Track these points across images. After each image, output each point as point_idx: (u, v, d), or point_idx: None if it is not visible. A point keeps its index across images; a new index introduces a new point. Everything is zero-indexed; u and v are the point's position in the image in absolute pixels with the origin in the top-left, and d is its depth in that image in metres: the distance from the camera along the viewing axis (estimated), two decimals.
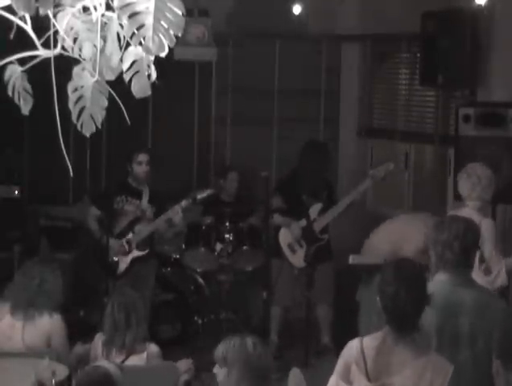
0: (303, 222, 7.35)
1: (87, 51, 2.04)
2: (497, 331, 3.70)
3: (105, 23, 2.02)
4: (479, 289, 3.98)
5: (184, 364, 5.01)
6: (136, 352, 4.86)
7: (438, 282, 3.91)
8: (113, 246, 6.89)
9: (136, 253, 6.95)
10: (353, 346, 3.59)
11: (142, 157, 7.02)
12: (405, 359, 3.47)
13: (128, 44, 2.01)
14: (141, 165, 6.99)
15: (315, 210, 7.36)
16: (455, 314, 3.78)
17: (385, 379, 3.47)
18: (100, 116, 2.10)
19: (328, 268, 7.51)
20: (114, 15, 2.00)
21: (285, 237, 7.42)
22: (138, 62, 2.04)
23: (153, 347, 4.94)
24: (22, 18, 2.00)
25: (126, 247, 6.91)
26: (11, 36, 2.09)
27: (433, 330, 3.81)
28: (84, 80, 2.07)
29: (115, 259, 6.90)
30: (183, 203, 6.88)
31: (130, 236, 6.94)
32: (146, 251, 7.02)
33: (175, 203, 6.92)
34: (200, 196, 6.96)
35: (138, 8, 1.96)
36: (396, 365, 3.47)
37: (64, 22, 2.01)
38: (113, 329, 4.86)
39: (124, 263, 6.90)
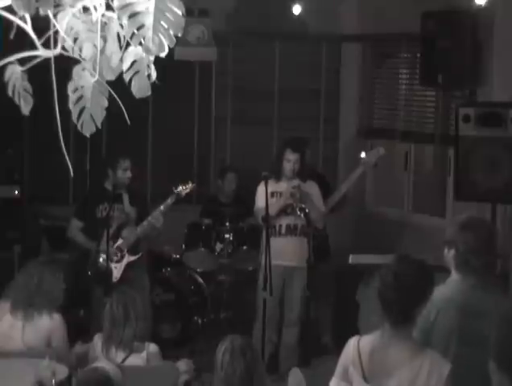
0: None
1: (87, 51, 2.04)
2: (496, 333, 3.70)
3: (105, 23, 2.02)
4: (499, 293, 3.99)
5: (184, 364, 5.01)
6: (135, 351, 4.86)
7: (457, 283, 3.90)
8: (108, 255, 6.76)
9: (129, 258, 6.89)
10: (350, 346, 3.59)
11: (127, 163, 6.83)
12: (401, 358, 3.45)
13: (128, 44, 2.01)
14: (125, 172, 6.82)
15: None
16: (475, 318, 3.78)
17: (381, 379, 3.46)
18: (100, 116, 2.10)
19: (327, 267, 7.51)
20: (114, 15, 2.00)
21: None
22: (138, 62, 2.04)
23: (152, 347, 4.94)
24: (22, 18, 2.00)
25: (118, 254, 6.83)
26: (11, 36, 2.09)
27: (451, 332, 3.82)
28: (85, 80, 2.07)
29: (112, 267, 6.82)
30: (169, 200, 6.80)
31: (120, 242, 6.87)
32: (139, 254, 6.97)
33: (154, 201, 6.85)
34: (184, 191, 6.87)
35: (138, 8, 1.96)
36: (392, 365, 3.45)
37: (64, 22, 2.01)
38: (111, 325, 4.86)
39: (118, 270, 6.81)
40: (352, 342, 3.58)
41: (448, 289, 3.90)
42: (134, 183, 7.03)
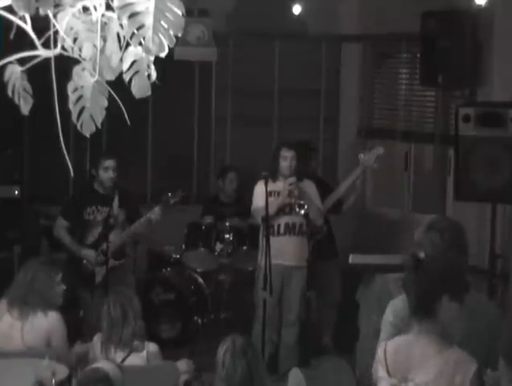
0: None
1: (87, 51, 2.04)
2: (505, 332, 3.72)
3: (105, 23, 2.02)
4: (470, 293, 3.97)
5: (184, 364, 5.01)
6: (135, 351, 4.86)
7: None
8: (88, 257, 6.79)
9: (112, 263, 6.85)
10: (379, 350, 3.61)
11: (109, 163, 6.77)
12: (426, 353, 3.47)
13: (128, 44, 2.01)
14: (107, 171, 6.76)
15: None
16: None
17: (405, 372, 3.47)
18: (100, 116, 2.10)
19: (331, 267, 7.51)
20: (114, 15, 2.00)
21: None
22: (138, 62, 2.04)
23: (152, 346, 4.94)
24: (22, 18, 2.00)
25: (102, 257, 6.80)
26: (11, 36, 2.09)
27: None
28: (84, 80, 2.07)
29: (93, 269, 6.80)
30: (157, 209, 6.74)
31: (104, 246, 6.77)
32: (123, 260, 6.95)
33: (154, 201, 6.80)
34: (173, 200, 6.84)
35: (138, 8, 1.96)
36: (417, 359, 3.47)
37: (64, 22, 2.01)
38: (110, 326, 4.86)
39: (99, 273, 6.78)
40: (381, 346, 3.61)
41: None
42: (124, 184, 7.02)
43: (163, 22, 1.96)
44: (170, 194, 6.82)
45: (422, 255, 3.85)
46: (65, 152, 2.16)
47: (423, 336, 3.48)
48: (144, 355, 4.87)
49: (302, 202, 6.79)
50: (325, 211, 7.29)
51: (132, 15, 1.96)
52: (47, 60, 2.03)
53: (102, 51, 2.03)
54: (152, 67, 2.06)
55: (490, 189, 6.76)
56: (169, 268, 7.87)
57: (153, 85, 2.09)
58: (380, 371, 3.55)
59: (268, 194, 6.72)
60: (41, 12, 1.99)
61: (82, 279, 6.81)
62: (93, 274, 6.74)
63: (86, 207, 6.83)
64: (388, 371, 3.50)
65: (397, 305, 3.90)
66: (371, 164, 7.23)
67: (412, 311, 3.52)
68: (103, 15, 2.01)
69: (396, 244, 8.14)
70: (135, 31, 1.97)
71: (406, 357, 3.49)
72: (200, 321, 7.66)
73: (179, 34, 1.99)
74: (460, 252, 3.88)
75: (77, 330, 5.83)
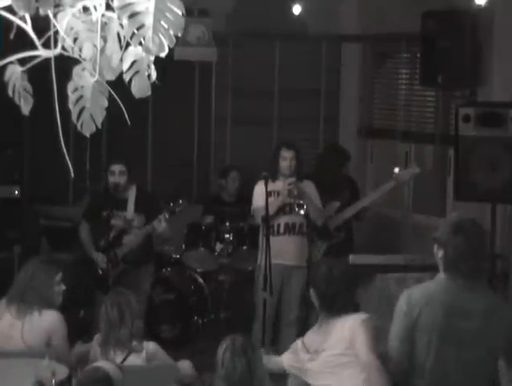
0: None
1: (87, 51, 2.04)
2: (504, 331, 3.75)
3: (105, 23, 2.02)
4: (486, 294, 4.00)
5: (187, 367, 5.00)
6: (135, 351, 4.85)
7: (443, 282, 3.91)
8: (98, 259, 6.85)
9: (124, 266, 6.90)
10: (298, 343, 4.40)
11: (115, 167, 6.88)
12: (332, 325, 4.22)
13: (128, 44, 2.01)
14: (113, 175, 6.86)
15: (332, 207, 7.35)
16: (461, 318, 3.80)
17: (318, 346, 4.22)
18: (100, 116, 2.10)
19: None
20: (114, 15, 2.00)
21: None
22: (138, 62, 2.04)
23: (152, 346, 4.93)
24: (22, 18, 2.01)
25: (113, 260, 6.83)
26: (11, 36, 2.09)
27: (434, 329, 3.83)
28: (85, 80, 2.07)
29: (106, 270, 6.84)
30: (161, 216, 6.76)
31: (117, 248, 6.87)
32: (134, 264, 6.96)
33: (166, 203, 6.86)
34: (178, 209, 6.87)
35: (138, 8, 1.96)
36: (326, 332, 4.23)
37: (64, 22, 2.01)
38: (107, 326, 4.85)
39: (112, 276, 6.83)
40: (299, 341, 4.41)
41: (434, 286, 3.94)
42: (157, 182, 7.07)
43: (163, 22, 1.97)
44: (180, 201, 6.83)
45: (441, 253, 3.95)
46: (65, 152, 2.16)
47: (332, 321, 4.23)
48: (144, 355, 4.86)
49: (301, 201, 6.80)
50: (347, 218, 7.32)
51: (132, 15, 1.96)
52: (47, 60, 2.03)
53: (102, 51, 2.03)
54: (152, 67, 2.06)
55: (490, 189, 6.75)
56: (169, 268, 7.86)
57: (153, 85, 2.09)
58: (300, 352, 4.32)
59: (268, 194, 6.74)
60: (41, 12, 1.99)
61: (96, 280, 6.86)
62: (107, 275, 6.77)
63: (102, 210, 6.88)
64: (307, 350, 4.27)
65: (412, 295, 3.92)
66: (405, 181, 7.30)
67: (326, 309, 4.26)
68: (103, 15, 2.01)
69: (396, 244, 8.15)
70: (135, 31, 1.98)
71: (320, 336, 4.26)
72: (200, 321, 7.65)
73: (179, 34, 1.99)
74: (480, 257, 3.91)
75: (78, 330, 5.82)
